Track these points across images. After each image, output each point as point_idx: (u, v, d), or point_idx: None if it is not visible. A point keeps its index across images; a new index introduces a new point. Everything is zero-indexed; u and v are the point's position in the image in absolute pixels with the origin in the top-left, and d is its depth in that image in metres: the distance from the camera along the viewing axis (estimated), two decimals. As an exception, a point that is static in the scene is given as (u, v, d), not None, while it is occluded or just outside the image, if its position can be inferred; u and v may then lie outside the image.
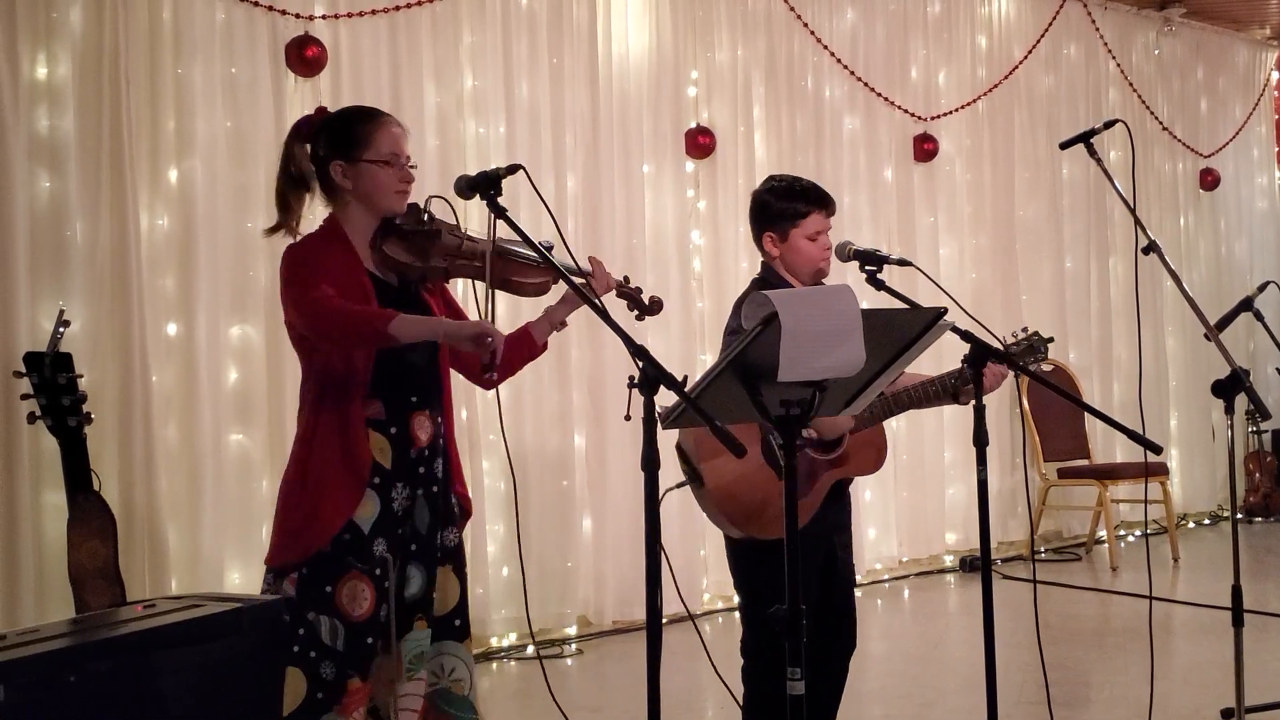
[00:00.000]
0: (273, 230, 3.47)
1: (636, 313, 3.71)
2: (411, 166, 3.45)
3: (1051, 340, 3.92)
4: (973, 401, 3.86)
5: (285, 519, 3.38)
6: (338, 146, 3.39)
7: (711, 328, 7.04)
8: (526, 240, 3.23)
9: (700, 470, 3.73)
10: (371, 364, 3.32)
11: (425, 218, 3.42)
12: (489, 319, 3.32)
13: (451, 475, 3.52)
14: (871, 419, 3.83)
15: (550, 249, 3.39)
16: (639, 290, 3.71)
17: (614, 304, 3.67)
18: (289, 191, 3.45)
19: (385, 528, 3.34)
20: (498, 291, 3.47)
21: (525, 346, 3.59)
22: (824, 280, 3.94)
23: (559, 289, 3.53)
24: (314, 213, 3.55)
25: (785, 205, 3.93)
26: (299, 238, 3.43)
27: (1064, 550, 9.03)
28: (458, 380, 3.61)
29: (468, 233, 3.47)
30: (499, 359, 3.26)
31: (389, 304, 3.33)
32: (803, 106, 7.96)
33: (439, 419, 3.46)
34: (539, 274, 3.45)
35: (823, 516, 3.84)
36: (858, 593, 7.48)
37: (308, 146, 3.44)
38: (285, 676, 3.26)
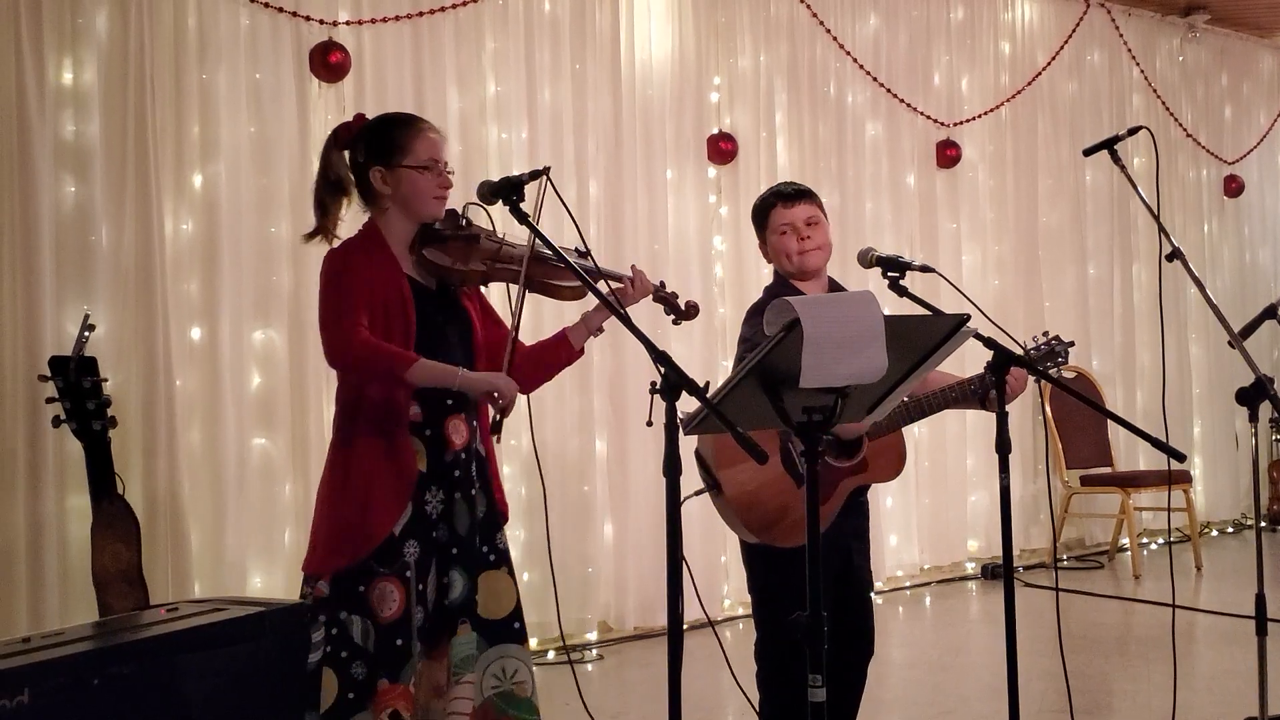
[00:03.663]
0: (311, 236, 3.52)
1: (673, 317, 3.74)
2: (449, 172, 3.48)
3: (1072, 344, 3.92)
4: (987, 412, 3.87)
5: (329, 525, 3.38)
6: (377, 153, 3.43)
7: (733, 333, 7.00)
8: (550, 245, 3.24)
9: (719, 478, 3.73)
10: None
11: (463, 223, 3.45)
12: (516, 323, 3.39)
13: (491, 478, 3.54)
14: (892, 425, 3.82)
15: (586, 254, 3.43)
16: (675, 295, 3.74)
17: (651, 309, 3.70)
18: (327, 197, 3.49)
19: (416, 530, 3.36)
20: (540, 296, 3.53)
21: (563, 351, 3.62)
22: (814, 272, 3.94)
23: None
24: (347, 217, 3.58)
25: (758, 209, 4.01)
26: (338, 242, 3.47)
27: (1086, 558, 8.99)
28: None
29: (505, 237, 3.50)
30: (507, 416, 3.37)
31: (427, 308, 3.39)
32: (825, 112, 7.96)
33: (474, 422, 3.49)
34: (576, 278, 3.48)
35: (840, 524, 3.83)
36: (878, 600, 7.54)
37: (346, 153, 3.49)
38: (323, 676, 3.29)
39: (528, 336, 3.70)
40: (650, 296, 3.66)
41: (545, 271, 3.48)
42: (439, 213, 3.45)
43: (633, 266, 3.67)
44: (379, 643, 3.31)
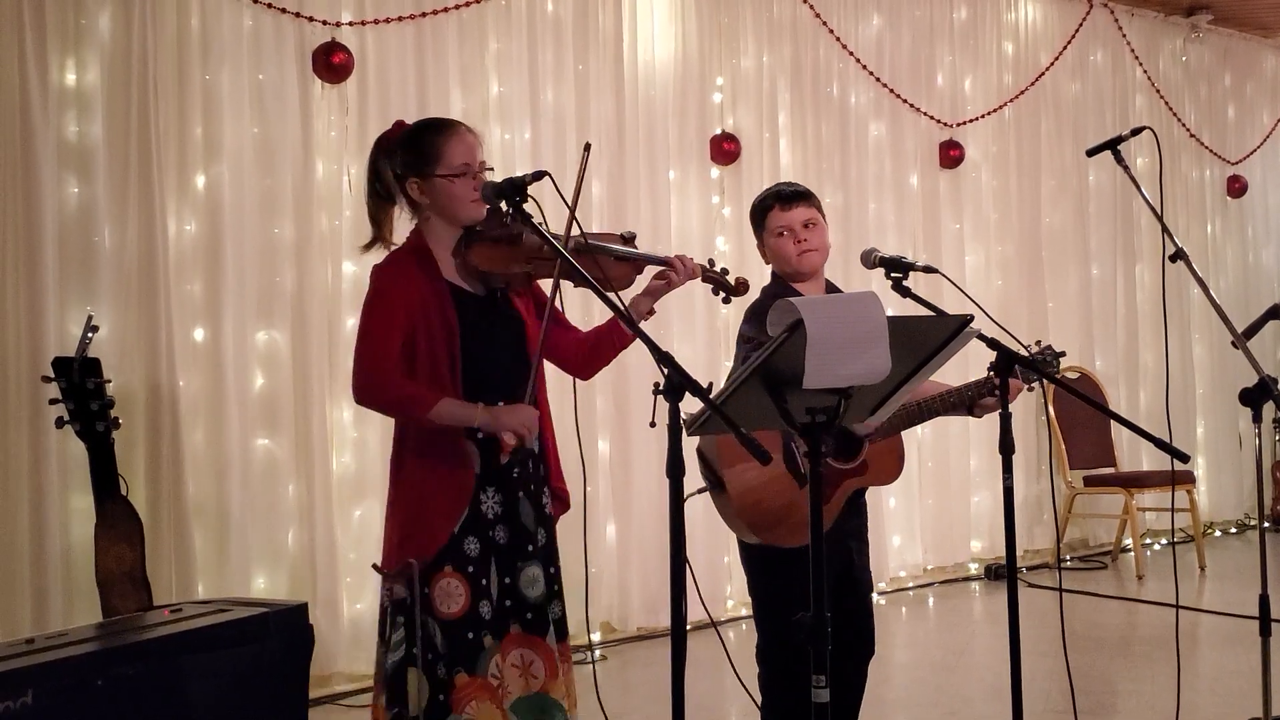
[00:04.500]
0: (368, 246, 3.54)
1: (723, 296, 3.74)
2: (489, 170, 3.48)
3: (1064, 354, 3.94)
4: (986, 415, 3.89)
5: (396, 528, 3.42)
6: (411, 163, 3.44)
7: (736, 334, 7.02)
8: (550, 244, 3.22)
9: (722, 476, 3.73)
10: (459, 373, 3.38)
11: (506, 221, 3.43)
12: (535, 377, 3.41)
13: (549, 472, 3.57)
14: (891, 429, 3.83)
15: (633, 238, 3.44)
16: (724, 272, 3.72)
17: (661, 316, 3.68)
18: (378, 210, 3.54)
19: (475, 528, 3.39)
20: (583, 288, 3.52)
21: (616, 337, 3.62)
22: (811, 273, 3.95)
23: (642, 280, 3.59)
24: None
25: (756, 210, 4.03)
26: (386, 255, 3.50)
27: (1090, 558, 8.98)
28: None
29: (547, 230, 3.47)
30: (524, 446, 3.40)
31: (472, 313, 3.41)
32: (828, 113, 7.95)
33: None
34: (621, 267, 3.49)
35: (840, 525, 3.84)
36: (881, 600, 7.54)
37: (388, 162, 3.51)
38: (407, 677, 3.32)
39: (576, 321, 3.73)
40: (699, 278, 3.65)
41: (586, 265, 3.46)
42: (478, 215, 3.44)
43: (679, 256, 3.64)
44: (447, 639, 3.33)
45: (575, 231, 3.37)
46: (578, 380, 3.79)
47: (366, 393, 3.39)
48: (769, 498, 3.72)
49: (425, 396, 3.32)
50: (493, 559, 3.41)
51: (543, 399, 3.57)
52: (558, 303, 3.54)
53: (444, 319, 3.37)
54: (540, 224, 3.26)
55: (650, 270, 3.60)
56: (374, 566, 3.48)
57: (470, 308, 3.41)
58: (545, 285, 3.56)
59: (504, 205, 3.29)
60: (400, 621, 3.36)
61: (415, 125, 3.56)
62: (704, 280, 3.69)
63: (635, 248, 3.59)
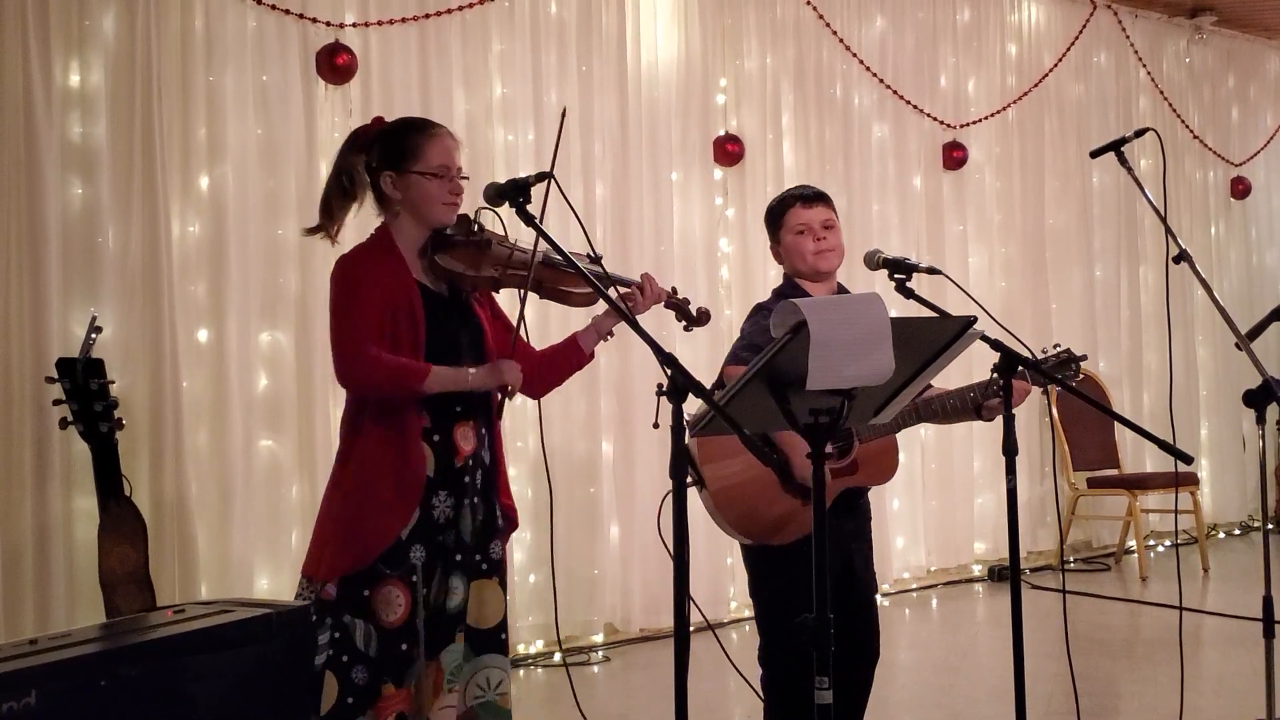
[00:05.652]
0: (312, 231, 3.53)
1: (684, 324, 3.71)
2: (463, 178, 3.48)
3: (1084, 358, 3.91)
4: (998, 416, 3.87)
5: (335, 529, 3.38)
6: (389, 158, 3.43)
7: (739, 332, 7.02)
8: (560, 250, 3.23)
9: (702, 473, 3.74)
10: None
11: (475, 228, 3.45)
12: (517, 329, 3.42)
13: (498, 486, 3.54)
14: (888, 427, 3.82)
15: (597, 260, 3.43)
16: (686, 301, 3.72)
17: (661, 315, 3.69)
18: (335, 200, 3.50)
19: (423, 534, 3.36)
20: (549, 301, 3.54)
21: (573, 356, 3.62)
22: (827, 274, 3.95)
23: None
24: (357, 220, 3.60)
25: (774, 209, 4.04)
26: (350, 248, 3.49)
27: (1093, 560, 8.98)
28: None
29: (516, 243, 3.48)
30: (511, 399, 3.41)
31: (437, 313, 3.40)
32: (831, 114, 7.95)
33: (483, 430, 3.48)
34: (587, 284, 3.45)
35: (838, 525, 3.82)
36: (885, 601, 7.54)
37: (362, 156, 3.49)
38: (324, 679, 3.30)
39: (534, 341, 3.70)
40: (662, 303, 3.63)
41: (555, 277, 3.47)
42: (449, 219, 3.45)
43: (644, 274, 3.64)
44: (382, 647, 3.31)
45: (543, 244, 3.34)
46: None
47: (357, 372, 3.32)
48: (749, 495, 3.72)
49: (418, 365, 3.32)
50: (439, 565, 3.40)
51: (496, 417, 3.56)
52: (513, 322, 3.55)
53: (411, 319, 3.36)
54: (507, 236, 3.31)
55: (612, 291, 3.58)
56: (303, 572, 3.44)
57: (435, 308, 3.41)
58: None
59: (475, 215, 3.38)
60: (328, 623, 3.32)
61: (397, 121, 3.56)
62: (666, 306, 3.65)
63: (602, 269, 3.58)
